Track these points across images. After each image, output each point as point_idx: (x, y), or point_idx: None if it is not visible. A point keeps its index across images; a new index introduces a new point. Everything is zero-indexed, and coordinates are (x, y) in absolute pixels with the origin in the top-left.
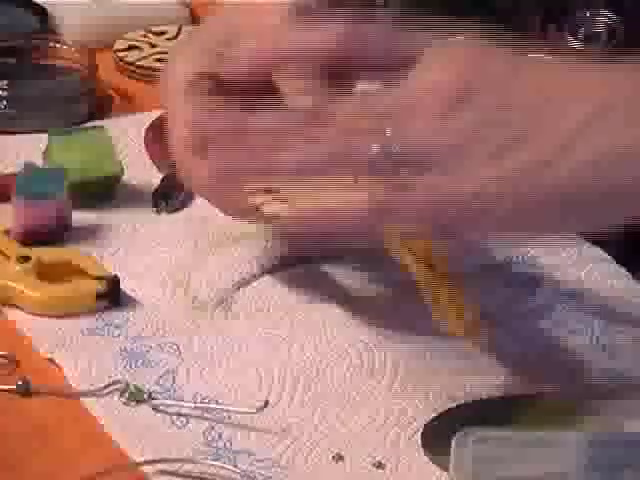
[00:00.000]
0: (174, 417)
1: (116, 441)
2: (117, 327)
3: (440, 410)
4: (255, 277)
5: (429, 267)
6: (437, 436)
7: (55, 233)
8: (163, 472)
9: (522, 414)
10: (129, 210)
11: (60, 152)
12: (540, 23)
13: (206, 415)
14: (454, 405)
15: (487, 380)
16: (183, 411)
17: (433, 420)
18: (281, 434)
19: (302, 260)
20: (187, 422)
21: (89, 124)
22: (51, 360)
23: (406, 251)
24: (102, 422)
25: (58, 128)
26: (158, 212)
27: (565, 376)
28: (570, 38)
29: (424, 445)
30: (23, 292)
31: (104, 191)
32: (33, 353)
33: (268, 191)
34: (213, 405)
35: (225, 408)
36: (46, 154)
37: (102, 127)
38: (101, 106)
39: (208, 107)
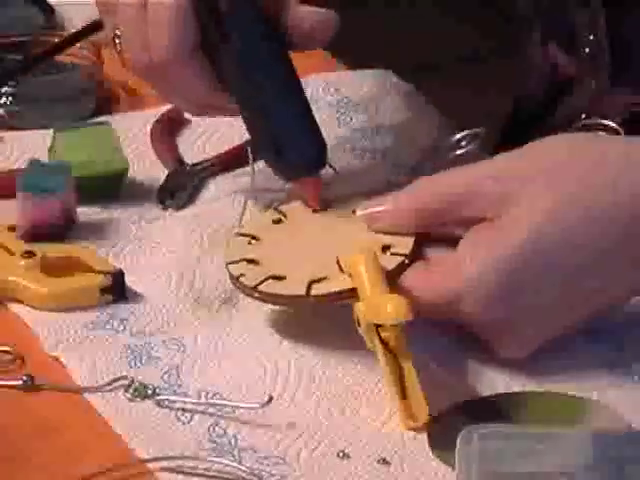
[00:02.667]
0: (179, 413)
1: (120, 437)
2: (122, 321)
3: (445, 407)
4: None
5: (394, 356)
6: (442, 433)
7: (60, 229)
8: (167, 469)
9: (526, 411)
10: (135, 206)
11: (65, 148)
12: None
13: (211, 410)
14: (459, 402)
15: (491, 377)
16: (188, 407)
17: (438, 417)
18: (286, 430)
19: None
20: (192, 418)
21: (94, 120)
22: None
23: (376, 336)
24: (106, 418)
25: (63, 124)
26: (164, 208)
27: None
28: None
29: (429, 442)
30: (27, 287)
31: (109, 187)
32: (38, 349)
33: (250, 261)
34: (218, 400)
35: (229, 403)
36: (51, 150)
37: (107, 123)
38: (107, 102)
39: None
